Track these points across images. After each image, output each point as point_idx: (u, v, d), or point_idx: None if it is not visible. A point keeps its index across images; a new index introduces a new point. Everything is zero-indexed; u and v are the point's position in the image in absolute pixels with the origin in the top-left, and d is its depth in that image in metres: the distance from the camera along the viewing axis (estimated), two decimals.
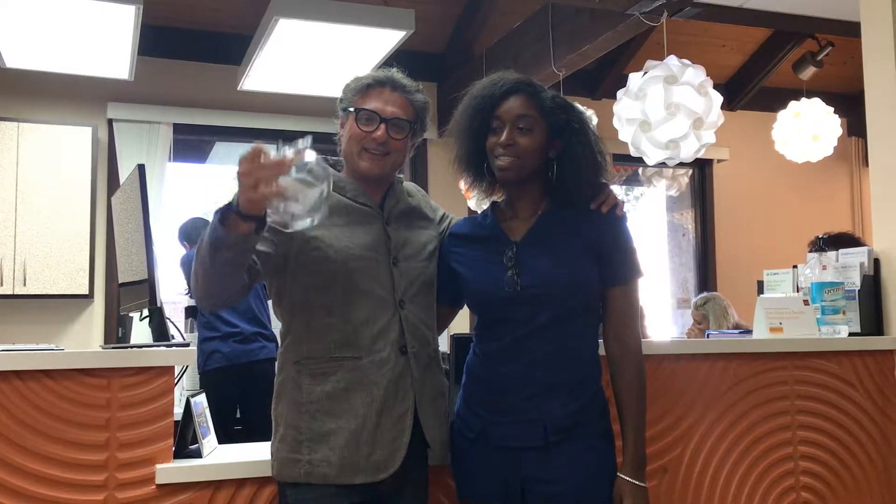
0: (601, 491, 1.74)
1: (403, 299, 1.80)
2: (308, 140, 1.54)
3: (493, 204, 1.91)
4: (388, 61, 4.22)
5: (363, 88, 1.82)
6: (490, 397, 1.79)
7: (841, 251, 2.76)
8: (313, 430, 1.72)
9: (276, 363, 1.84)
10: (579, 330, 1.79)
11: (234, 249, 1.58)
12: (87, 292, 4.93)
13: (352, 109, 1.81)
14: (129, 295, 2.32)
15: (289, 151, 1.51)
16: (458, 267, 1.86)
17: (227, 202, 1.56)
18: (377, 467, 1.72)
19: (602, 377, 1.83)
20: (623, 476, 1.74)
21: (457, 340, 2.13)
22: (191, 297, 4.40)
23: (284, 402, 1.78)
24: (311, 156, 1.53)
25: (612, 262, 1.79)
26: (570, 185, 1.80)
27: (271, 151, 1.51)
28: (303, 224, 1.53)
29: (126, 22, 3.72)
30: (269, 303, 4.19)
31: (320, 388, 1.73)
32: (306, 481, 1.71)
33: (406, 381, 1.77)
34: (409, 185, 1.97)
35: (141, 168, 2.12)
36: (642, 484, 1.73)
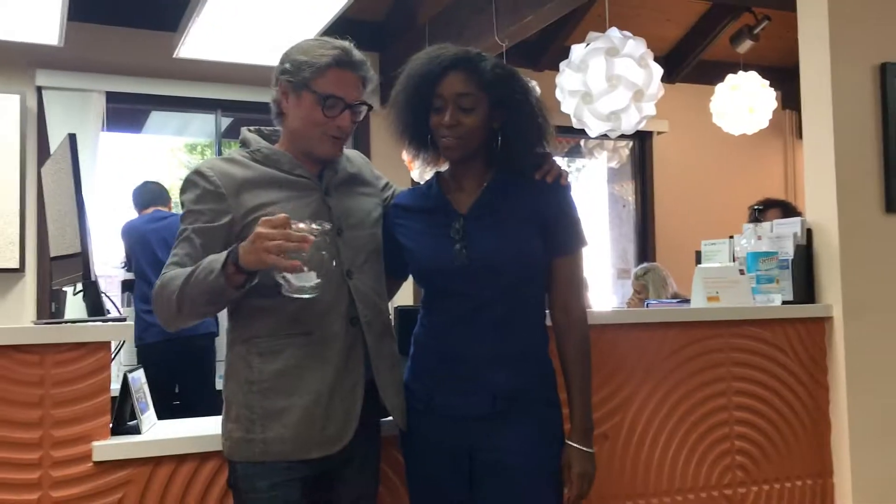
0: (549, 458, 1.77)
1: (351, 269, 1.78)
2: (323, 225, 1.61)
3: (438, 174, 1.90)
4: (329, 30, 4.15)
5: (322, 68, 1.74)
6: (438, 368, 1.80)
7: (775, 221, 2.83)
8: (265, 408, 1.70)
9: (227, 341, 1.81)
10: (526, 301, 1.80)
11: (224, 294, 1.62)
12: (17, 266, 4.78)
13: (315, 91, 1.74)
14: (61, 269, 2.25)
15: (314, 228, 1.57)
16: (404, 239, 1.85)
17: (227, 252, 1.60)
18: (331, 440, 1.71)
19: (549, 346, 1.85)
20: (571, 443, 1.77)
21: (401, 312, 2.13)
22: (127, 269, 4.30)
23: (234, 381, 1.75)
24: (325, 245, 1.61)
25: (557, 232, 1.80)
26: (514, 155, 1.80)
27: (298, 224, 1.57)
28: (299, 297, 1.60)
29: None
30: None
31: (271, 366, 1.71)
32: (261, 459, 1.69)
33: (357, 352, 1.76)
34: (349, 152, 1.94)
35: (72, 137, 2.05)
36: (590, 450, 1.78)
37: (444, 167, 1.89)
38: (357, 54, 1.79)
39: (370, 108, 1.83)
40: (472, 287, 1.76)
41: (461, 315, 1.78)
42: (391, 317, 2.05)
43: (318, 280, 1.59)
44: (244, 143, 1.85)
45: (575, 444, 1.76)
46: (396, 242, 1.86)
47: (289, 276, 1.58)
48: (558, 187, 1.82)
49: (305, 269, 1.56)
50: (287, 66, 1.77)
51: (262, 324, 1.74)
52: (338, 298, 1.75)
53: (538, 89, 1.90)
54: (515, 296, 1.78)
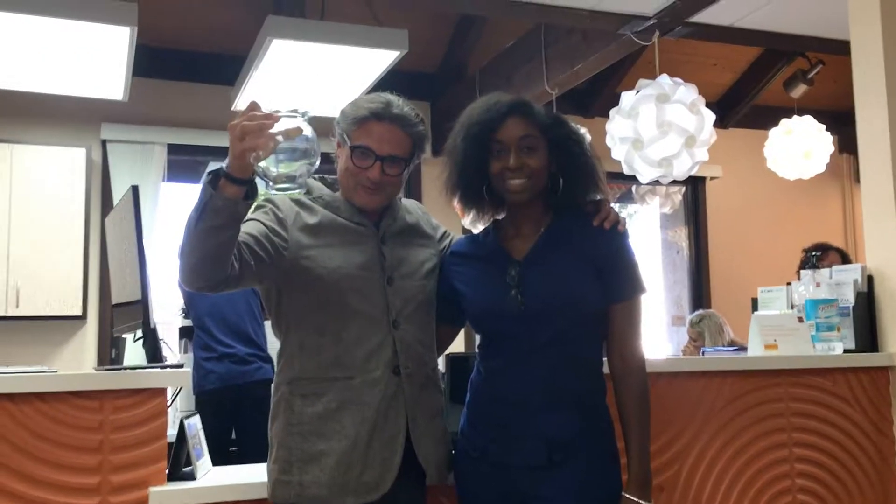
0: None
1: (398, 319, 1.78)
2: (307, 112, 1.54)
3: (495, 221, 1.90)
4: (382, 81, 4.24)
5: (360, 120, 1.78)
6: (493, 415, 1.78)
7: (835, 268, 2.77)
8: (304, 450, 1.71)
9: (273, 384, 1.83)
10: (582, 347, 1.78)
11: (221, 215, 1.53)
12: (80, 313, 4.91)
13: (350, 142, 1.78)
14: (122, 316, 2.31)
15: (288, 113, 1.51)
16: (460, 285, 1.85)
17: (216, 167, 1.55)
18: (368, 488, 1.70)
19: (607, 395, 1.82)
20: (628, 495, 1.72)
21: (452, 360, 2.12)
22: (185, 317, 4.38)
23: (278, 423, 1.78)
24: (307, 129, 1.53)
25: (614, 278, 1.79)
26: (574, 198, 1.81)
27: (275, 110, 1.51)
28: (285, 187, 1.53)
29: (120, 43, 3.73)
30: (266, 323, 4.19)
31: (311, 408, 1.73)
32: (297, 502, 1.70)
33: (399, 402, 1.76)
34: (408, 203, 1.96)
35: (135, 189, 2.12)
36: (648, 503, 1.72)
37: (501, 216, 1.89)
38: (400, 109, 1.79)
39: (408, 162, 1.83)
40: (525, 332, 1.75)
41: (514, 360, 1.76)
42: (443, 364, 2.05)
43: (302, 169, 1.52)
44: (309, 190, 1.87)
45: (632, 498, 1.71)
46: (453, 289, 1.86)
47: (269, 166, 1.50)
48: (616, 233, 1.80)
49: (282, 156, 1.49)
50: (339, 118, 1.84)
51: (305, 365, 1.75)
52: (381, 346, 1.76)
53: (588, 136, 1.91)
54: (570, 342, 1.75)
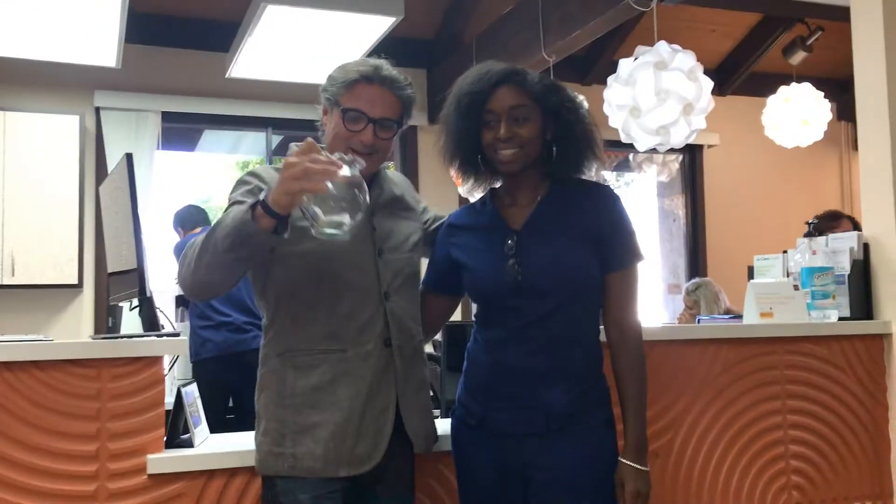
0: (602, 476, 1.75)
1: (388, 291, 1.78)
2: (355, 159, 1.56)
3: (492, 190, 1.89)
4: (377, 48, 4.20)
5: (350, 83, 1.76)
6: (491, 384, 1.79)
7: (831, 236, 2.77)
8: (298, 423, 1.71)
9: (260, 356, 1.82)
10: (579, 317, 1.79)
11: (253, 244, 1.56)
12: (76, 282, 4.91)
13: (340, 106, 1.76)
14: (118, 284, 2.31)
15: (345, 160, 1.53)
16: (459, 255, 1.85)
17: (255, 198, 1.55)
18: (360, 460, 1.71)
19: (604, 363, 1.83)
20: (624, 460, 1.74)
21: (449, 329, 2.13)
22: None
23: (267, 395, 1.77)
24: (361, 180, 1.54)
25: (611, 246, 1.79)
26: (570, 165, 1.80)
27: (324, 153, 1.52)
28: (330, 232, 1.52)
29: (113, 9, 3.69)
30: None
31: (305, 380, 1.72)
32: (290, 474, 1.70)
33: (389, 375, 1.76)
34: (393, 174, 1.95)
35: (129, 157, 2.10)
36: (644, 468, 1.74)
37: (497, 184, 1.89)
38: (389, 71, 1.78)
39: (399, 125, 1.81)
40: (525, 304, 1.75)
41: (514, 331, 1.76)
42: (440, 333, 2.05)
43: (351, 221, 1.52)
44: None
45: (628, 462, 1.74)
46: (452, 260, 1.86)
47: (318, 210, 1.50)
48: (612, 201, 1.80)
49: (333, 203, 1.49)
50: (325, 82, 1.81)
51: (298, 337, 1.74)
52: (374, 318, 1.75)
53: (586, 103, 1.90)
54: (569, 312, 1.76)
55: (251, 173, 1.80)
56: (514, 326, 1.76)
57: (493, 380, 1.79)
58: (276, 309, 1.78)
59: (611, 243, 1.78)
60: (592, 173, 1.86)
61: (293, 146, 1.59)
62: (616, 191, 1.86)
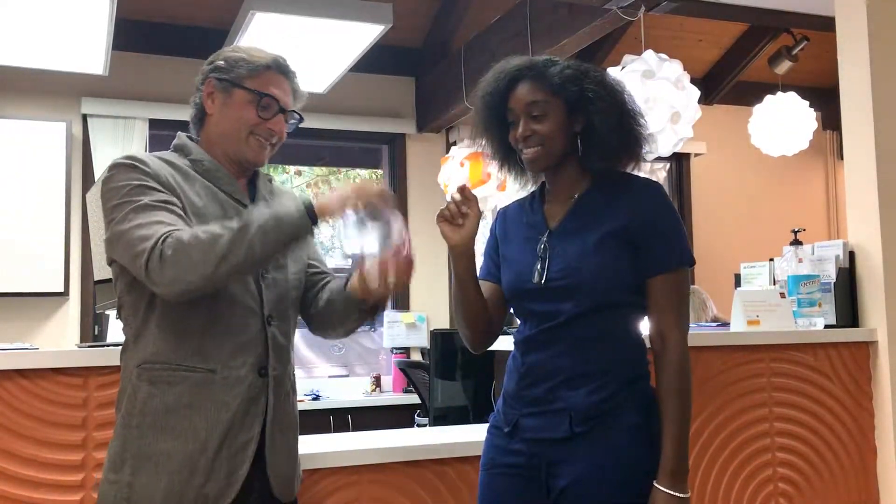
0: (626, 485, 1.60)
1: (272, 315, 1.61)
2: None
3: (543, 183, 1.82)
4: (366, 56, 4.20)
5: (258, 68, 1.65)
6: (520, 389, 1.71)
7: (816, 244, 2.79)
8: (141, 447, 1.49)
9: (120, 361, 1.60)
10: (612, 322, 1.66)
11: (293, 243, 1.55)
12: (62, 290, 4.87)
13: (249, 89, 1.63)
14: (105, 292, 2.30)
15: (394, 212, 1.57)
16: (503, 250, 1.80)
17: (305, 201, 1.52)
18: (206, 501, 1.50)
19: (648, 366, 1.70)
20: (659, 486, 1.57)
21: (438, 336, 2.13)
22: None
23: (118, 411, 1.57)
24: (397, 232, 1.57)
25: (649, 248, 1.65)
26: (600, 158, 1.70)
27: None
28: (353, 252, 1.56)
29: (100, 15, 3.67)
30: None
31: (158, 399, 1.51)
32: None
33: (258, 407, 1.57)
34: (276, 184, 1.82)
35: None
36: (681, 494, 1.56)
37: (542, 179, 1.81)
38: (290, 66, 1.71)
39: (301, 119, 1.73)
40: (550, 306, 1.66)
41: (538, 334, 1.68)
42: (428, 341, 2.04)
43: (376, 251, 1.56)
44: (182, 150, 1.69)
45: (662, 489, 1.56)
46: (502, 255, 1.80)
47: (355, 228, 1.54)
48: (655, 197, 1.68)
49: (359, 228, 1.54)
50: (220, 63, 1.67)
51: (160, 348, 1.52)
52: (253, 342, 1.57)
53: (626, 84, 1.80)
54: (594, 317, 1.64)
55: (135, 159, 1.58)
56: (539, 330, 1.68)
57: (521, 384, 1.70)
58: (147, 314, 1.55)
59: (650, 244, 1.65)
60: (632, 167, 1.75)
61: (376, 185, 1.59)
62: None
